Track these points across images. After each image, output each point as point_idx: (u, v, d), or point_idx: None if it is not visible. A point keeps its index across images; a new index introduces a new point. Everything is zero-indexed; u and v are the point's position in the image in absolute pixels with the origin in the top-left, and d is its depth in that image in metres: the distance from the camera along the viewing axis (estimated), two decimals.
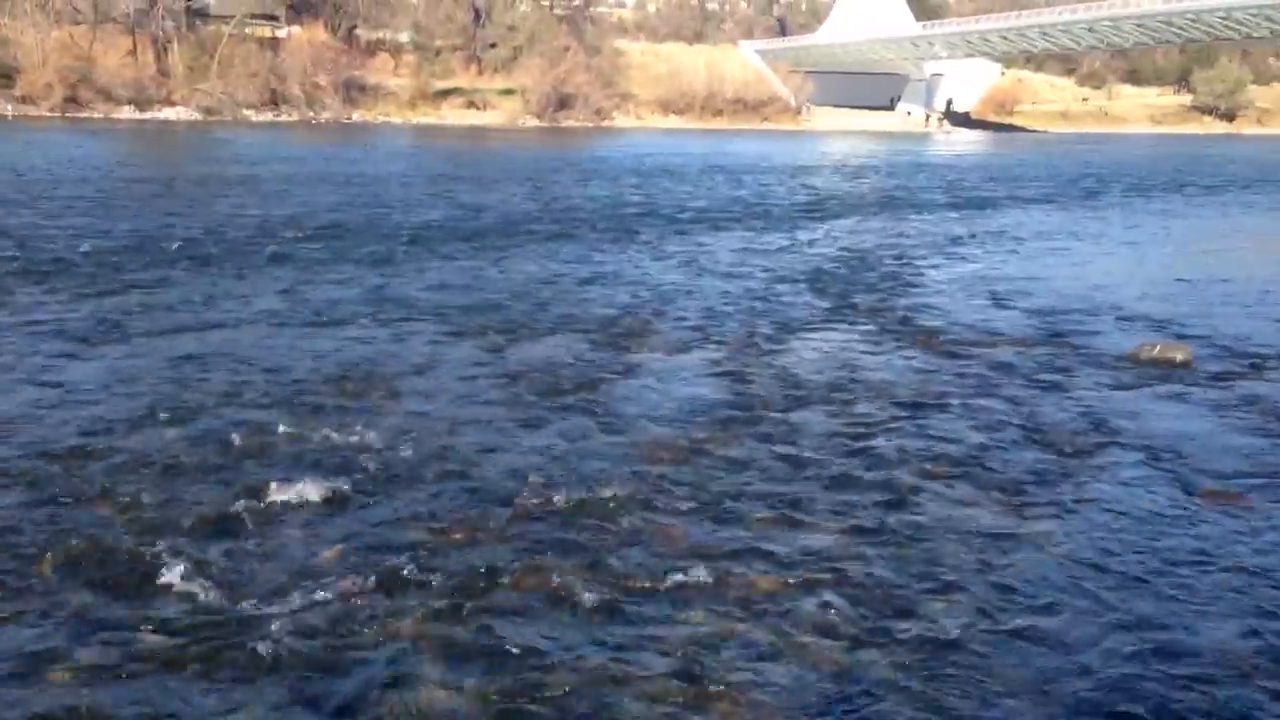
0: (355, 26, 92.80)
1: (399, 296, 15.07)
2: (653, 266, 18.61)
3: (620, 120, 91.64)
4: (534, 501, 7.44)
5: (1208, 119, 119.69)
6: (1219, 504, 7.82)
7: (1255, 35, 79.46)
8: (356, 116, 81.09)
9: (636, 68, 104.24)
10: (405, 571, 6.32)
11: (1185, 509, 7.71)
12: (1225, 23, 76.34)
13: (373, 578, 6.23)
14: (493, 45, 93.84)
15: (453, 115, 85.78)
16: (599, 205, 28.85)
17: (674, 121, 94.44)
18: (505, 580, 6.29)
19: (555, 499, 7.48)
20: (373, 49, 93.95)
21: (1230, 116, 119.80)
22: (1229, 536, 7.23)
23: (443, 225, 23.32)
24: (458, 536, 6.87)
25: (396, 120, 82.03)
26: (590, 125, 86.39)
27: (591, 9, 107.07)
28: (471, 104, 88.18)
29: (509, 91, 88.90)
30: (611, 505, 7.42)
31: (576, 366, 11.36)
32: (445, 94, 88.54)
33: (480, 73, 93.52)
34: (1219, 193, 39.94)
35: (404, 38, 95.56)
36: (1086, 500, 7.84)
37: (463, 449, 8.58)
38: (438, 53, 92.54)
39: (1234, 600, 6.30)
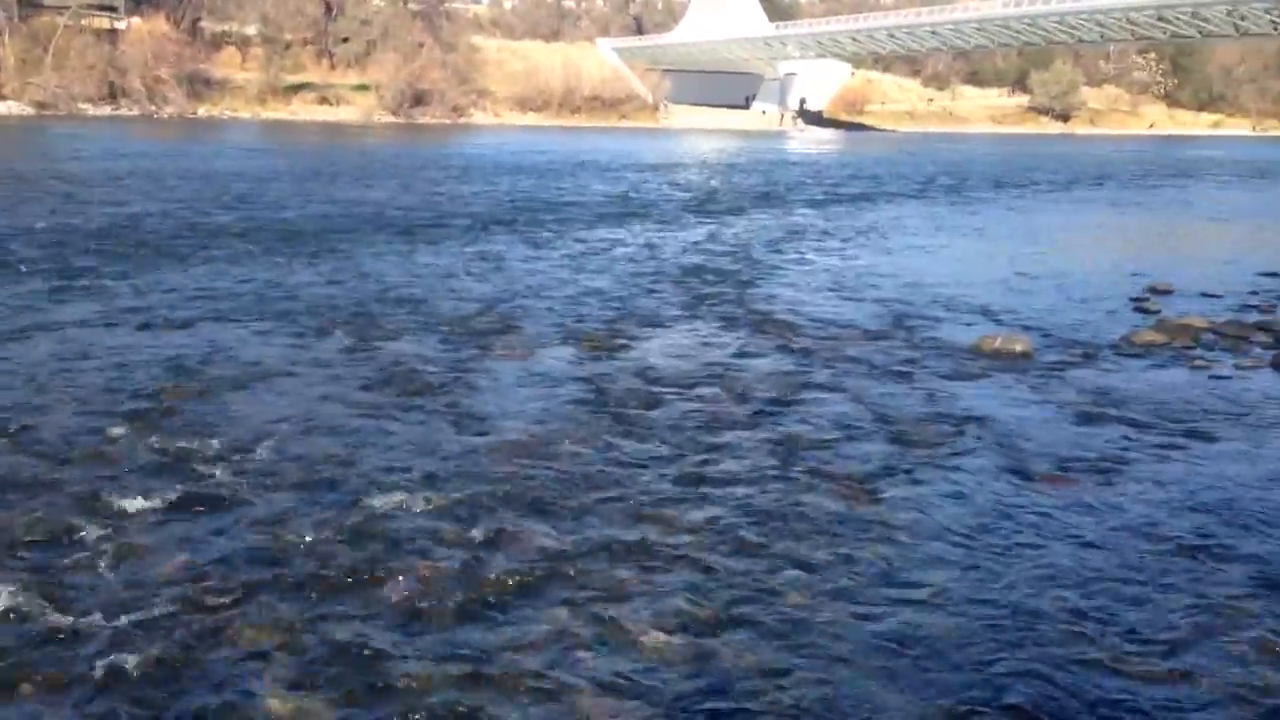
0: (200, 19, 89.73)
1: (252, 297, 14.65)
2: (512, 264, 18.53)
3: (478, 117, 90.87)
4: (388, 504, 7.33)
5: (1044, 119, 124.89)
6: (1054, 487, 8.20)
7: (1086, 39, 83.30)
8: (202, 112, 78.47)
9: (493, 65, 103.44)
10: (253, 579, 6.16)
11: (1023, 494, 8.05)
12: (1059, 27, 79.81)
13: (219, 586, 6.05)
14: (345, 40, 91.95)
15: (304, 111, 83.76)
16: (457, 203, 28.57)
17: (532, 119, 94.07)
18: (357, 585, 6.19)
19: (410, 502, 7.38)
20: (218, 42, 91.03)
21: (1065, 117, 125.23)
22: (1061, 518, 7.58)
23: (296, 223, 22.77)
24: (308, 541, 6.72)
25: (245, 115, 79.68)
26: (447, 122, 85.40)
27: (446, 5, 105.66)
28: (324, 99, 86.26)
29: (363, 87, 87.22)
30: (468, 506, 7.36)
31: (434, 366, 11.23)
32: (296, 89, 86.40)
33: (333, 67, 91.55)
34: (1057, 189, 41.75)
35: (251, 30, 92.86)
36: (933, 489, 8.11)
37: (316, 452, 8.39)
38: (287, 46, 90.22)
39: (1066, 574, 6.62)
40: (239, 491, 7.50)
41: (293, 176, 34.51)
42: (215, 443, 8.42)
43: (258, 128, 69.86)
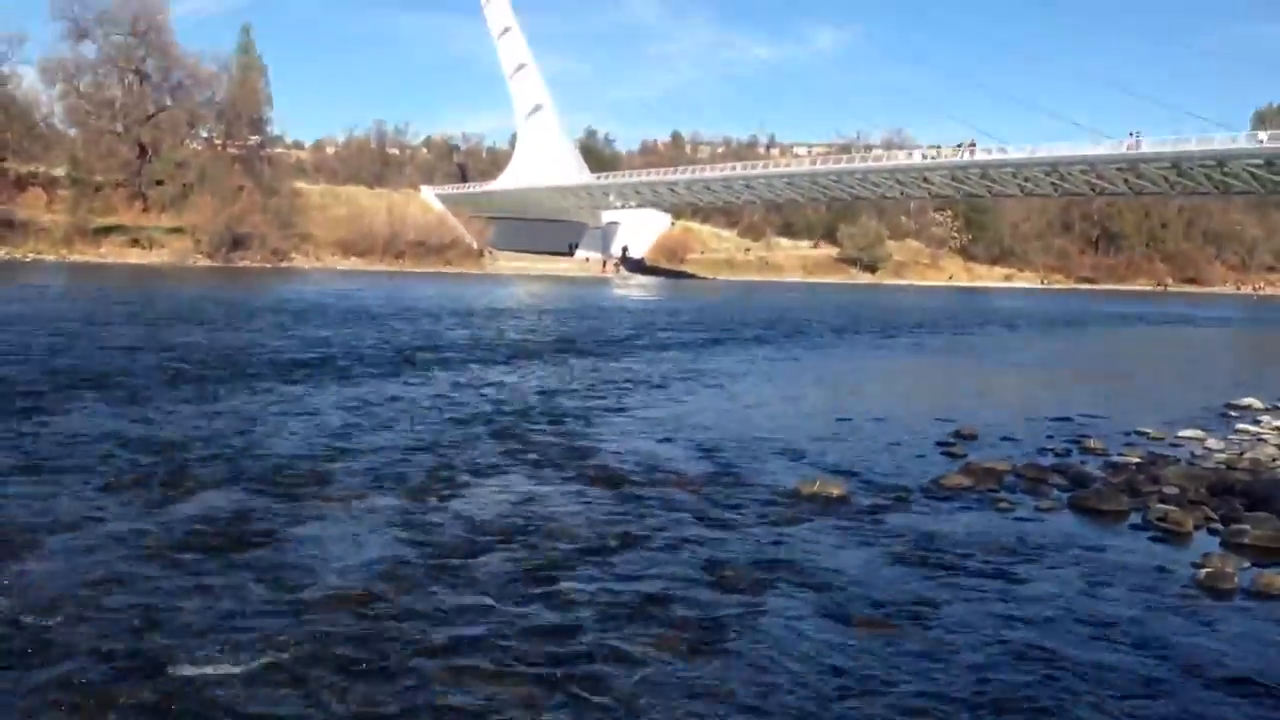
0: (4, 159, 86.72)
1: (47, 447, 13.82)
2: (330, 412, 18.08)
3: (299, 261, 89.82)
4: (193, 671, 6.90)
5: (853, 269, 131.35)
6: (871, 631, 8.35)
7: (888, 195, 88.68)
8: (3, 253, 75.16)
9: (316, 209, 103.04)
10: None
11: (842, 639, 8.17)
12: (862, 184, 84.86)
13: None
14: (160, 182, 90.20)
15: (115, 254, 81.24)
16: (271, 349, 27.87)
17: (355, 263, 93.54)
18: None
19: (217, 666, 6.96)
20: (23, 183, 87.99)
21: (872, 268, 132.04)
22: (878, 661, 7.71)
23: (99, 370, 21.75)
24: (105, 713, 6.23)
25: (50, 258, 76.72)
26: (267, 266, 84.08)
27: (268, 150, 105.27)
28: (136, 242, 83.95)
29: (178, 230, 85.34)
30: (280, 668, 6.99)
31: (246, 519, 10.75)
32: (106, 231, 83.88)
33: (146, 210, 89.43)
34: (867, 336, 43.70)
35: (60, 172, 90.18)
36: (756, 637, 8.14)
37: (114, 615, 7.86)
38: (98, 189, 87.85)
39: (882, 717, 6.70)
40: (29, 658, 6.93)
41: (97, 321, 33.15)
42: (4, 605, 7.80)
43: (64, 271, 67.17)
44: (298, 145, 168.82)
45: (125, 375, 21.26)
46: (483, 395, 21.25)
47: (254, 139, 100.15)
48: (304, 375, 22.80)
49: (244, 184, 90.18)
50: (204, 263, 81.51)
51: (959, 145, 78.06)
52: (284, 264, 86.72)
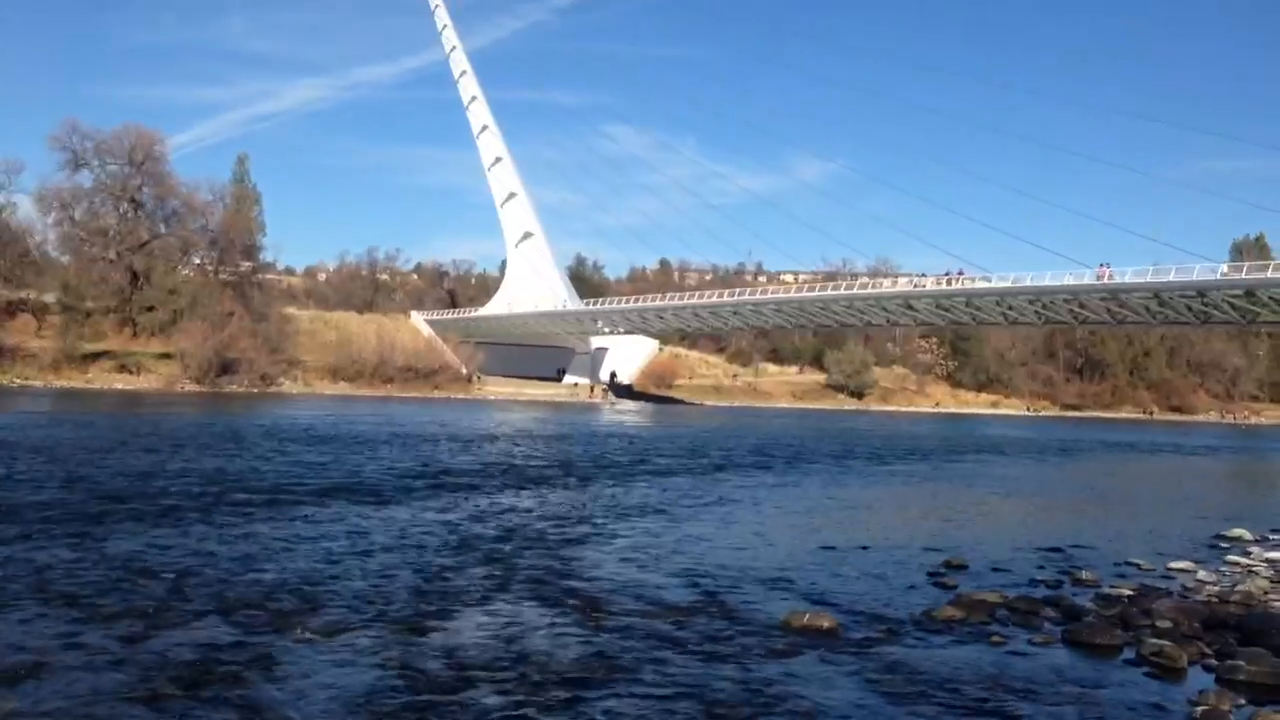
0: None
1: (21, 578, 13.62)
2: (315, 540, 17.90)
3: (288, 386, 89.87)
4: None
5: (841, 396, 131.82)
6: None
7: (874, 323, 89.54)
8: None
9: (305, 334, 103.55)
10: None
11: None
12: (848, 310, 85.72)
13: None
14: (150, 308, 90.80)
15: (102, 379, 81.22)
16: (258, 475, 27.70)
17: (344, 388, 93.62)
18: None
19: None
20: (13, 309, 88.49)
21: (859, 394, 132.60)
22: None
23: (80, 499, 21.57)
24: None
25: (37, 383, 76.64)
26: (255, 391, 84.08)
27: (259, 276, 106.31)
28: (124, 367, 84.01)
29: (166, 355, 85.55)
30: None
31: (227, 652, 10.57)
32: (95, 356, 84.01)
33: (135, 335, 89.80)
34: (856, 463, 43.64)
35: (50, 298, 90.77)
36: None
37: None
38: (88, 315, 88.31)
39: None
40: None
41: (80, 448, 32.98)
42: None
43: (50, 396, 67.07)
44: (290, 271, 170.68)
45: (110, 505, 21.07)
46: (473, 522, 21.09)
47: (246, 265, 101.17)
48: (290, 501, 22.63)
49: (234, 309, 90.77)
50: (192, 388, 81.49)
51: (946, 274, 79.28)
52: (272, 389, 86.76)
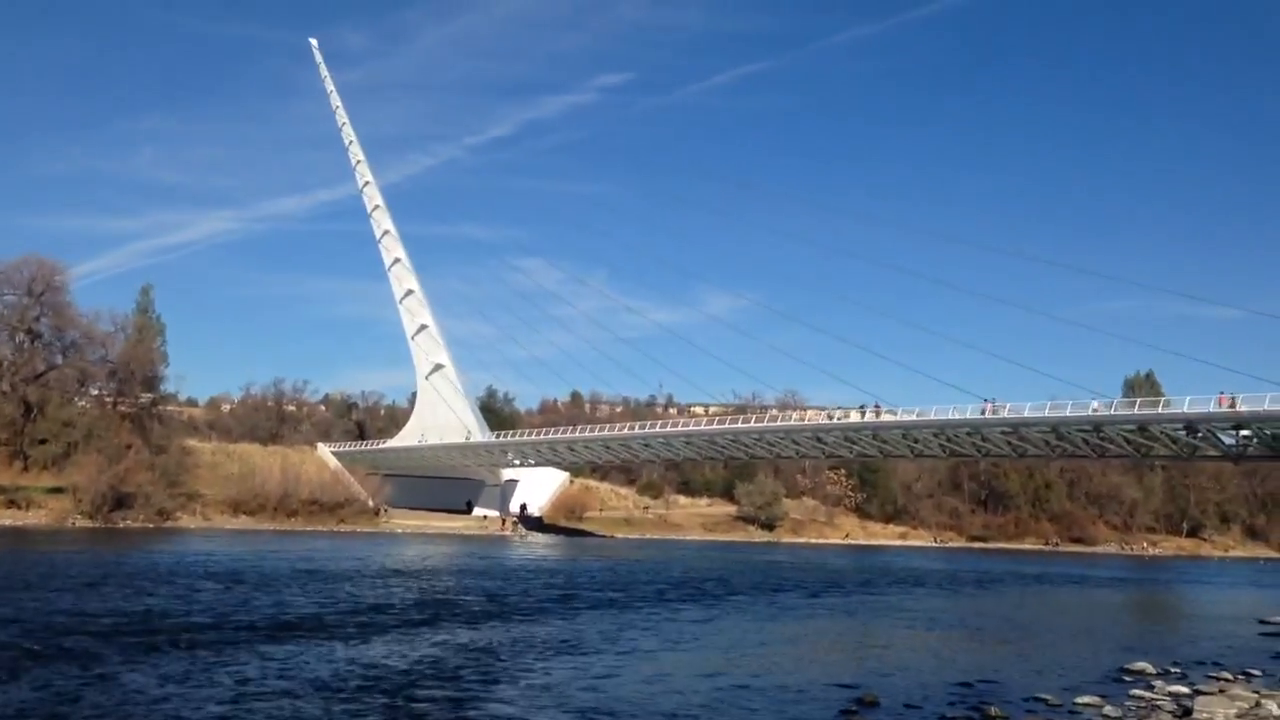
0: None
1: None
2: (205, 686, 17.11)
3: (185, 520, 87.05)
4: None
5: (752, 527, 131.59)
6: None
7: (784, 455, 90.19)
8: None
9: (206, 467, 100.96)
10: None
11: None
12: (758, 443, 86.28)
13: None
14: (43, 441, 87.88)
15: None
16: (134, 618, 26.52)
17: (245, 521, 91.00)
18: None
19: None
20: None
21: (770, 526, 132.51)
22: None
23: None
24: None
25: None
26: (151, 527, 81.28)
27: (160, 407, 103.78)
28: (13, 503, 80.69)
29: (58, 489, 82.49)
30: None
31: None
32: None
33: (26, 469, 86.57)
34: (769, 595, 43.39)
35: None
36: None
37: None
38: None
39: None
40: None
41: None
42: None
43: None
44: (192, 403, 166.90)
45: None
46: (373, 664, 20.38)
47: (146, 396, 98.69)
48: (169, 647, 21.66)
49: (132, 442, 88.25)
50: (84, 523, 78.45)
51: (863, 407, 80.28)
52: (168, 524, 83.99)
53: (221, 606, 29.54)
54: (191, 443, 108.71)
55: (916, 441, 75.33)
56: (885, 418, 76.72)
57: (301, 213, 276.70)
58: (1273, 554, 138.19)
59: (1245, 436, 55.79)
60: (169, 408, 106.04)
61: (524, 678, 19.50)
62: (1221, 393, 55.16)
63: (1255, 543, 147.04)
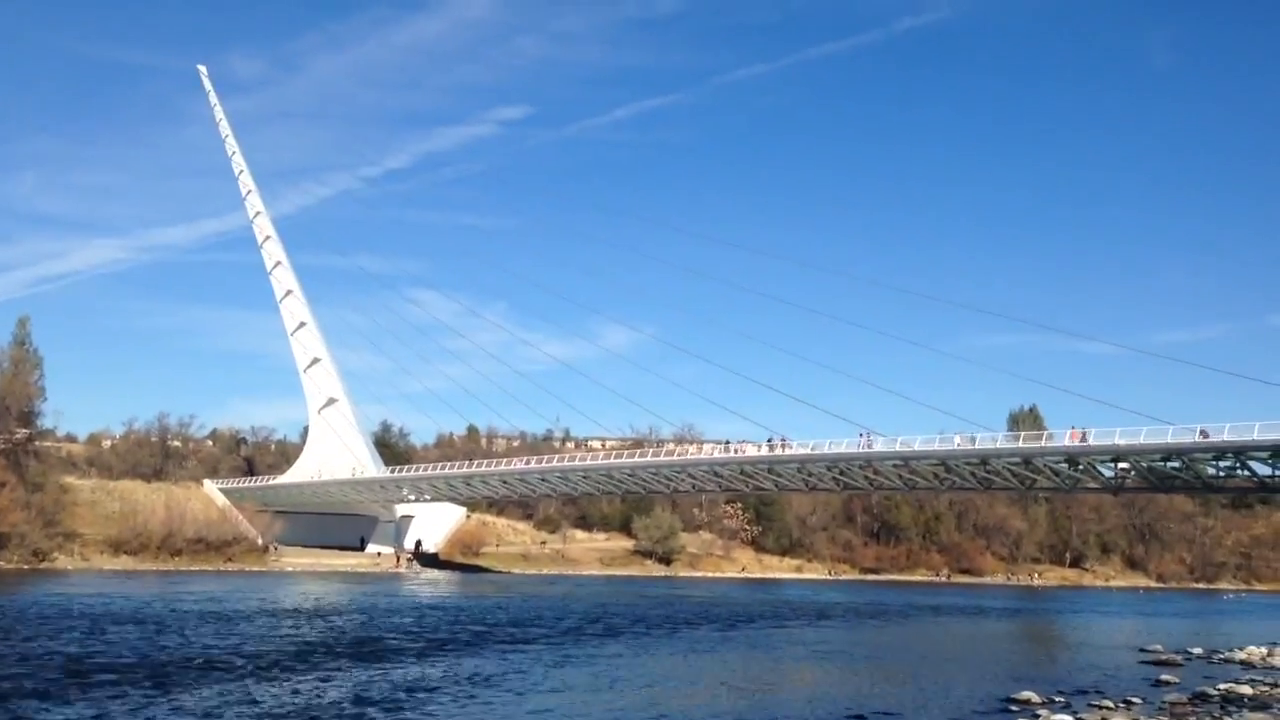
0: None
1: None
2: None
3: (62, 561, 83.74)
4: None
5: (649, 562, 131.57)
6: None
7: (680, 489, 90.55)
8: None
9: (86, 505, 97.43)
10: None
11: None
12: (655, 477, 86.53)
13: None
14: None
15: None
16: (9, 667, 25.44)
17: (126, 562, 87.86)
18: None
19: None
20: None
21: (667, 560, 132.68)
22: None
23: None
24: None
25: None
26: (26, 568, 78.07)
27: (36, 443, 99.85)
28: None
29: None
30: None
31: None
32: None
33: None
34: (664, 631, 43.34)
35: None
36: None
37: None
38: None
39: None
40: None
41: None
42: None
43: None
44: (72, 438, 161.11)
45: None
46: (265, 709, 19.78)
47: (21, 432, 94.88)
48: (39, 695, 20.78)
49: (6, 479, 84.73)
50: None
51: (769, 439, 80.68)
52: (44, 565, 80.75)
53: (82, 655, 28.43)
54: (70, 480, 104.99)
55: (811, 475, 76.22)
56: (779, 451, 77.46)
57: (190, 243, 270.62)
58: (1151, 584, 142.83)
59: (1124, 469, 57.75)
60: (46, 443, 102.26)
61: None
62: (1073, 427, 57.86)
63: (1135, 572, 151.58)
